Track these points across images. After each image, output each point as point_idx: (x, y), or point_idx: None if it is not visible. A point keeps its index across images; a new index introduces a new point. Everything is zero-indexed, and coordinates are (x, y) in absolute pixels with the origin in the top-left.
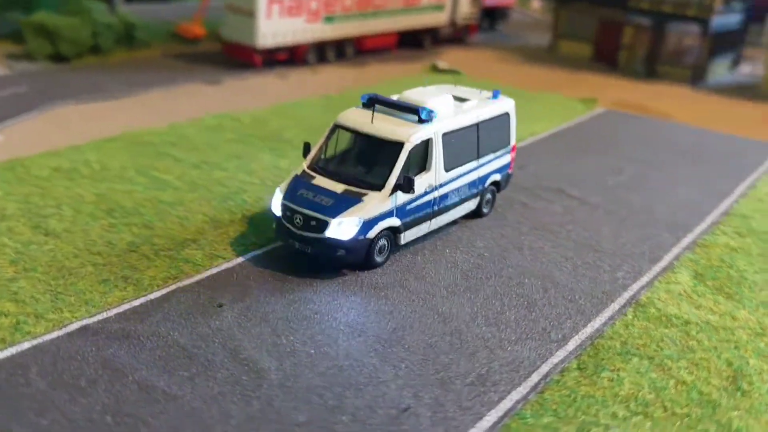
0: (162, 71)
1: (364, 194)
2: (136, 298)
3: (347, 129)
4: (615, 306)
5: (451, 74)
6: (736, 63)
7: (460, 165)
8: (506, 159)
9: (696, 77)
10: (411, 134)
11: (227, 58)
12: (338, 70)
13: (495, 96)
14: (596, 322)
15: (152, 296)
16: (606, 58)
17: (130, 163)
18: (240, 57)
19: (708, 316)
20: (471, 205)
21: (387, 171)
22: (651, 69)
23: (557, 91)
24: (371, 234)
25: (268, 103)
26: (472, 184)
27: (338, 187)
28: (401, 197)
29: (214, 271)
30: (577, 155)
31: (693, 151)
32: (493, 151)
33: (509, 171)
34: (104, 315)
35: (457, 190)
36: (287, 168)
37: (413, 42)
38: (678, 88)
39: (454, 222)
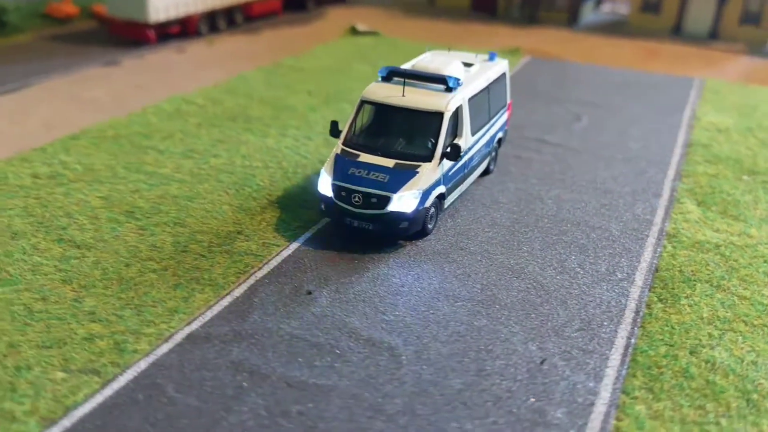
0: (50, 56)
1: (417, 166)
2: (221, 298)
3: (378, 104)
4: (651, 240)
5: (371, 35)
6: (598, 3)
7: (481, 127)
8: (505, 116)
9: (572, 19)
10: (447, 103)
11: (113, 37)
12: (233, 39)
13: (492, 58)
14: (646, 256)
15: (236, 293)
16: (484, 7)
17: (113, 161)
18: (131, 35)
19: (730, 237)
20: (485, 163)
21: (430, 141)
22: (531, 15)
23: (466, 43)
24: (427, 203)
25: (194, 82)
26: (487, 144)
27: (388, 162)
28: (446, 165)
29: (278, 259)
30: (533, 105)
31: (626, 90)
32: (498, 111)
33: (506, 127)
34: (201, 320)
35: (478, 151)
36: (279, 148)
37: (297, 5)
38: (559, 32)
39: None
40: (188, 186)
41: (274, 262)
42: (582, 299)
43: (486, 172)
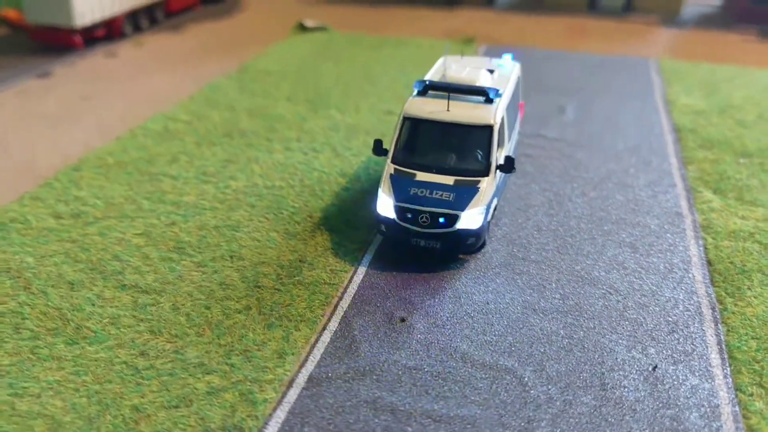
0: None
1: (477, 182)
2: (319, 334)
3: (423, 120)
4: (689, 233)
5: (321, 30)
6: None
7: (512, 133)
8: (520, 116)
9: None
10: (493, 115)
11: (34, 43)
12: (161, 39)
13: (504, 63)
14: (692, 251)
15: (331, 327)
16: None
17: (131, 192)
18: (56, 41)
19: (757, 224)
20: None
21: (482, 155)
22: None
23: (399, 29)
24: (489, 217)
25: (142, 87)
26: (515, 147)
27: (448, 180)
28: (498, 177)
29: (354, 286)
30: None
31: (590, 75)
32: (516, 113)
33: (519, 128)
34: (313, 360)
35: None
36: (291, 163)
37: None
38: (480, 12)
39: None
40: (222, 214)
41: (351, 290)
42: (658, 300)
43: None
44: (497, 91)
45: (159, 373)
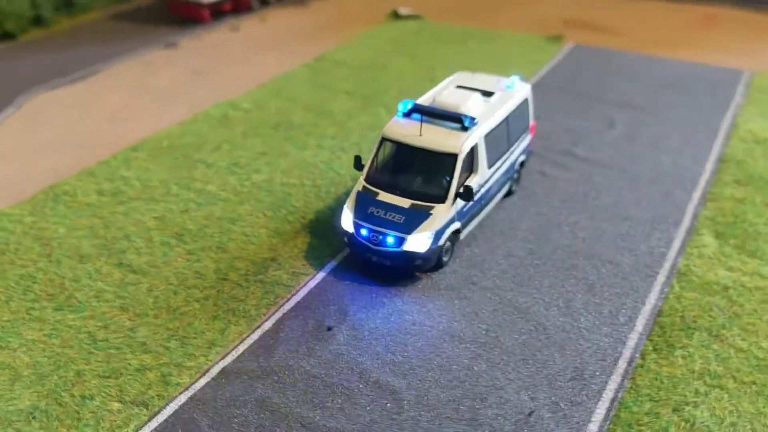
0: (114, 38)
1: (432, 208)
2: (252, 332)
3: (396, 142)
4: (661, 278)
5: (414, 19)
6: None
7: (500, 158)
8: (528, 139)
9: None
10: (461, 144)
11: (171, 16)
12: (285, 14)
13: (512, 85)
14: (651, 298)
15: (265, 326)
16: None
17: (168, 176)
18: (187, 14)
19: (741, 278)
20: (506, 188)
21: (445, 182)
22: None
23: (507, 19)
24: (441, 241)
25: (252, 77)
26: (506, 172)
27: (405, 203)
28: (460, 203)
29: (305, 291)
30: (567, 107)
31: (669, 86)
32: (519, 136)
33: (531, 149)
34: (234, 354)
35: (497, 180)
36: (315, 162)
37: None
38: None
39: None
40: (231, 206)
41: (301, 293)
42: (580, 345)
43: (509, 193)
44: (473, 119)
45: (109, 346)
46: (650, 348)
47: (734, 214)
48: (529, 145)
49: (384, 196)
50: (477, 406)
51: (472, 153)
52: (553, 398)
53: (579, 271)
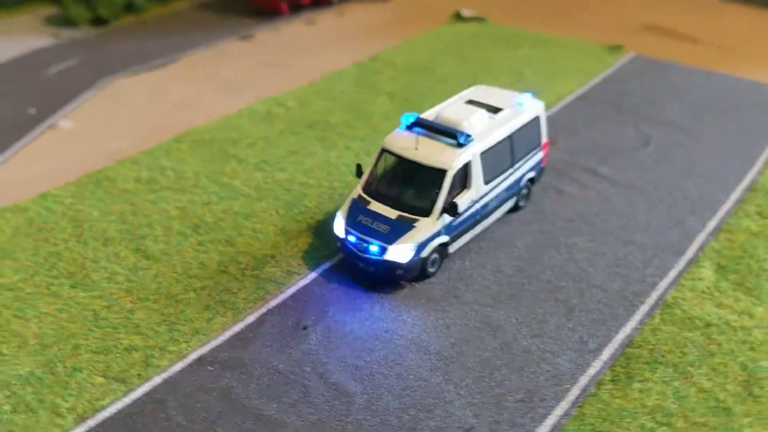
0: (197, 27)
1: (416, 220)
2: (235, 324)
3: (393, 154)
4: (645, 308)
5: (476, 21)
6: None
7: (498, 175)
8: (539, 156)
9: None
10: (452, 161)
11: (254, 7)
12: (362, 9)
13: (523, 102)
14: (627, 328)
15: (248, 320)
16: None
17: (201, 169)
18: (267, 5)
19: (728, 315)
20: (510, 204)
21: (433, 196)
22: None
23: (586, 20)
24: (424, 253)
25: (306, 74)
26: (509, 188)
27: (392, 213)
28: (448, 218)
29: (294, 289)
30: (606, 122)
31: (717, 104)
32: (527, 153)
33: (543, 166)
34: (213, 344)
35: (496, 196)
36: (338, 164)
37: None
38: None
39: (497, 219)
40: (250, 202)
41: (289, 292)
42: (540, 368)
43: (516, 208)
44: (468, 136)
45: (107, 324)
46: (609, 378)
47: (744, 248)
48: (540, 162)
49: (375, 206)
50: (421, 417)
51: (466, 169)
52: (496, 417)
53: (562, 294)
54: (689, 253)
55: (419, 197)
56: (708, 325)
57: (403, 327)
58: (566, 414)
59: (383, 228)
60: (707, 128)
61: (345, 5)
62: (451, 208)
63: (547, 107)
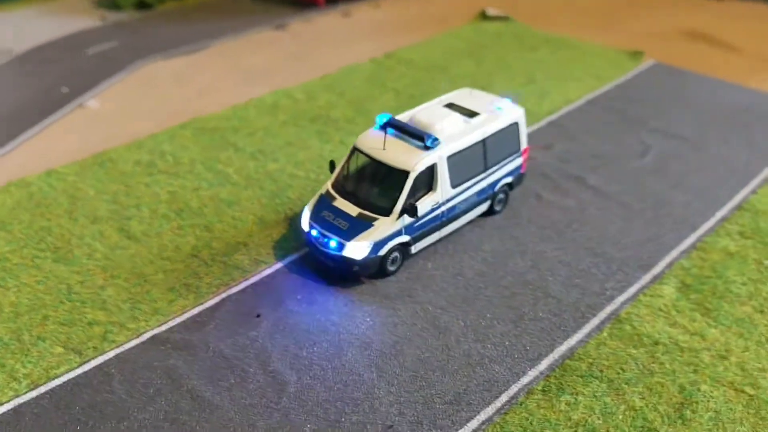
0: (235, 15)
1: (375, 219)
2: (195, 307)
3: (362, 153)
4: (595, 321)
5: (501, 20)
6: None
7: (467, 179)
8: (517, 162)
9: None
10: (416, 163)
11: None
12: (399, 3)
13: (502, 107)
14: (573, 340)
15: (207, 304)
16: None
17: (198, 156)
18: None
19: (679, 335)
20: (482, 208)
21: (395, 196)
22: None
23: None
24: (382, 252)
25: (323, 67)
26: (480, 192)
27: (354, 211)
28: (408, 218)
29: (257, 278)
30: (608, 130)
31: (728, 118)
32: (503, 159)
33: (521, 172)
34: (170, 324)
35: (465, 200)
36: (328, 157)
37: None
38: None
39: (469, 222)
40: (236, 191)
41: (252, 280)
42: (475, 372)
43: (492, 212)
44: (435, 139)
45: (78, 298)
46: (540, 388)
47: (714, 268)
48: (519, 168)
49: (339, 202)
50: (346, 411)
51: (432, 172)
52: (419, 417)
53: (516, 301)
54: (656, 270)
55: (382, 197)
56: (656, 343)
57: (351, 322)
58: (489, 420)
59: (343, 224)
60: (711, 142)
61: None
62: (410, 210)
63: (553, 111)
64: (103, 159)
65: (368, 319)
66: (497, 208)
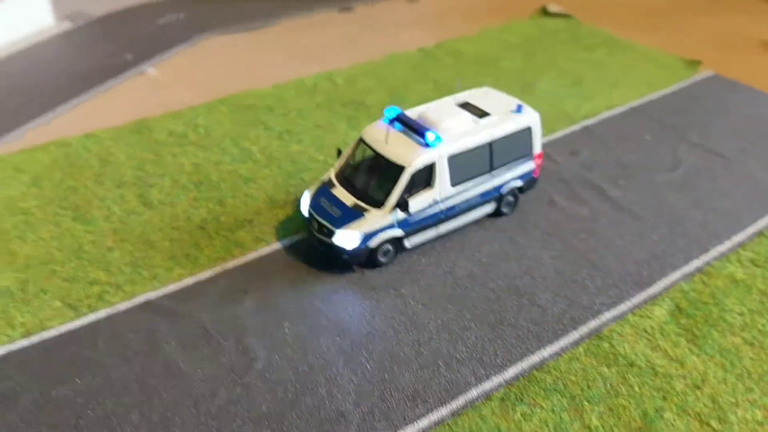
0: None
1: (367, 210)
2: (190, 277)
3: (366, 144)
4: (575, 335)
5: (562, 18)
6: None
7: (469, 179)
8: (529, 166)
9: None
10: (413, 159)
11: None
12: None
13: (518, 110)
14: (546, 351)
15: (202, 276)
16: None
17: (230, 130)
18: None
19: (657, 359)
20: (487, 209)
21: (390, 189)
22: None
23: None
24: (372, 243)
25: (372, 52)
26: (485, 194)
27: (349, 200)
28: (402, 213)
29: (255, 255)
30: (642, 140)
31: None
32: (512, 161)
33: (534, 176)
34: (163, 291)
35: (467, 200)
36: (351, 143)
37: None
38: None
39: (476, 221)
40: (256, 168)
41: (250, 257)
42: (439, 371)
43: (500, 214)
44: (436, 137)
45: (86, 257)
46: (499, 396)
47: (714, 295)
48: (531, 172)
49: (337, 191)
50: (305, 392)
51: (431, 169)
52: (372, 408)
53: (500, 306)
54: (653, 289)
55: (378, 189)
56: (630, 364)
57: (332, 308)
58: (440, 420)
59: (336, 212)
60: (749, 163)
61: None
62: (401, 204)
63: (591, 115)
64: (141, 126)
65: (348, 308)
66: (505, 210)
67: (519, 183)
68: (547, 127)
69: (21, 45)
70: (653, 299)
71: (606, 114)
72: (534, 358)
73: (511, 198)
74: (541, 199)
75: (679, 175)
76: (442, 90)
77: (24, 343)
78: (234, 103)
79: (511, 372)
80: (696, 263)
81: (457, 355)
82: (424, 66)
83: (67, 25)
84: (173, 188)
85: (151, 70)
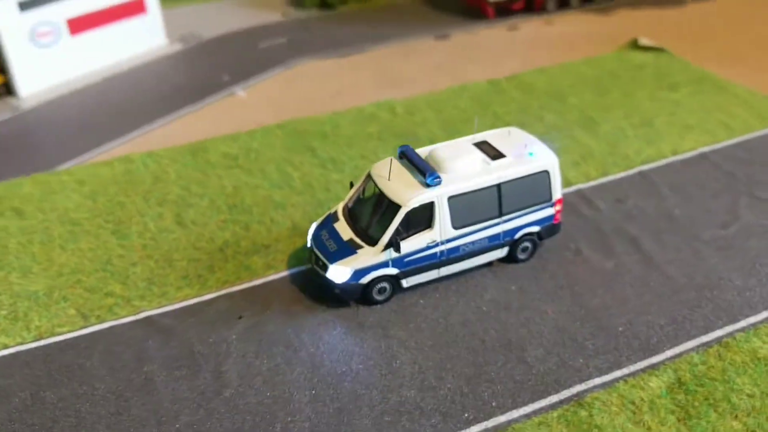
0: (404, 21)
1: (361, 247)
2: (195, 298)
3: (371, 179)
4: (554, 398)
5: (654, 51)
6: None
7: (475, 222)
8: (547, 212)
9: None
10: (410, 198)
11: (465, 6)
12: (575, 19)
13: (535, 153)
14: (517, 413)
15: (205, 298)
16: None
17: (277, 155)
18: (474, 5)
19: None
20: (497, 254)
21: (385, 227)
22: None
23: None
24: (364, 280)
25: (443, 82)
26: (493, 237)
27: (347, 235)
28: (400, 250)
29: (261, 281)
30: (702, 191)
31: None
32: (525, 207)
33: (554, 222)
34: (166, 309)
35: (472, 243)
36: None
37: None
38: None
39: (489, 264)
40: (290, 195)
41: (256, 282)
42: (399, 421)
43: (515, 260)
44: (436, 177)
45: (111, 269)
46: None
47: (725, 371)
48: (550, 218)
49: (339, 225)
50: (260, 424)
51: (430, 209)
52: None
53: (485, 358)
54: (657, 357)
55: (375, 226)
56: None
57: (315, 342)
58: None
59: (332, 246)
60: None
61: (557, 15)
62: (394, 244)
63: (651, 160)
64: (198, 148)
65: (331, 342)
66: (521, 256)
67: (536, 228)
68: (598, 170)
69: (131, 63)
70: (653, 368)
71: (669, 159)
72: (501, 419)
73: (527, 244)
74: (567, 247)
75: (731, 233)
76: (497, 124)
77: (32, 345)
78: (291, 128)
79: (473, 430)
80: (717, 333)
81: (424, 406)
82: (488, 99)
83: (177, 47)
84: (208, 209)
85: (240, 92)
